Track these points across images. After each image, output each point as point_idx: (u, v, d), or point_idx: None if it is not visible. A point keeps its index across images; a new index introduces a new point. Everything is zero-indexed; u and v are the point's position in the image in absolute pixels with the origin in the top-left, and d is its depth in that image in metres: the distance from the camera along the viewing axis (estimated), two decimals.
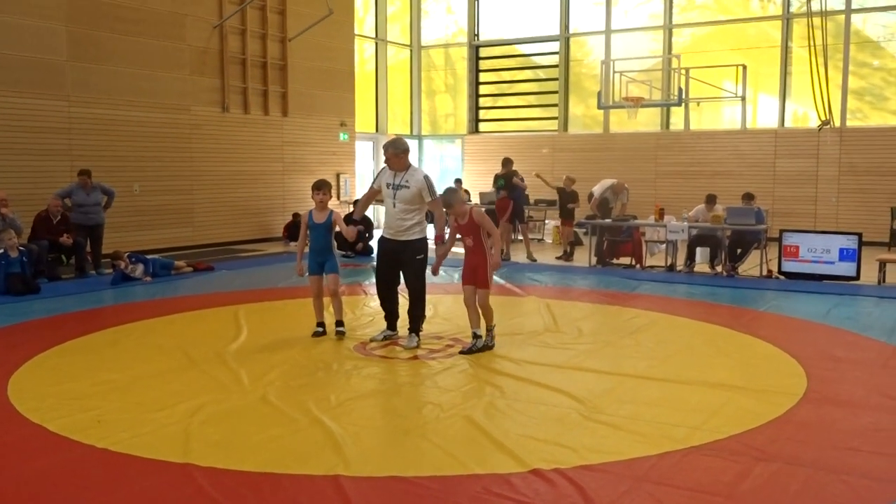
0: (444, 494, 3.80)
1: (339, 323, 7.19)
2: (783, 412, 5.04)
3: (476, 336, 6.68)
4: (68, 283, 10.60)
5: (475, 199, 18.05)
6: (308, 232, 7.15)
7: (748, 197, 11.80)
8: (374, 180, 7.20)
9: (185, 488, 3.87)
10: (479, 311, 6.65)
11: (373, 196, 7.31)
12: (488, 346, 6.67)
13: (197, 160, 15.05)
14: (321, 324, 7.27)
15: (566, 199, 14.36)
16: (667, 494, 3.78)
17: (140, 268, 10.74)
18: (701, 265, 11.84)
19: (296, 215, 16.19)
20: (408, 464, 4.19)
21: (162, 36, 14.32)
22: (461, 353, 6.61)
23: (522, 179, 13.79)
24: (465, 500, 3.73)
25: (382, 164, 7.14)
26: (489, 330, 6.75)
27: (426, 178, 6.88)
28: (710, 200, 11.80)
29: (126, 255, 10.84)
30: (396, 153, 6.86)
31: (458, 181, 18.34)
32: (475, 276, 6.64)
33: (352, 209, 14.25)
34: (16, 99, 12.26)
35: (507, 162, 13.75)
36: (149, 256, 11.28)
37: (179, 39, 14.66)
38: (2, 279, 9.48)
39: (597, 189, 15.21)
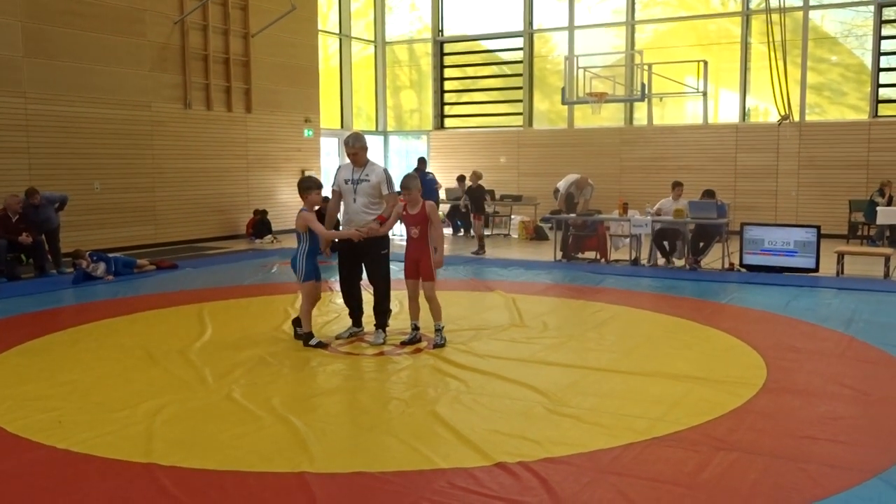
0: (408, 489, 3.81)
1: (299, 322, 7.05)
2: (743, 402, 5.12)
3: (415, 328, 6.80)
4: (28, 282, 10.43)
5: (441, 195, 18.04)
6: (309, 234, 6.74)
7: (709, 194, 11.94)
8: (334, 182, 7.12)
9: (148, 488, 3.84)
10: (427, 304, 6.68)
11: (339, 199, 7.06)
12: (439, 345, 6.61)
13: (159, 157, 14.87)
14: (311, 334, 6.82)
15: (473, 194, 14.51)
16: (629, 485, 3.83)
17: (101, 266, 10.60)
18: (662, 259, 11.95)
19: (259, 212, 16.08)
20: (373, 459, 4.20)
21: (120, 32, 14.12)
22: (402, 343, 6.72)
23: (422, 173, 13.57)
24: (430, 494, 3.74)
25: (345, 161, 7.12)
26: (438, 330, 6.72)
27: (385, 171, 6.95)
28: (676, 185, 11.89)
29: (87, 253, 10.68)
30: (364, 147, 6.88)
31: (422, 160, 18.07)
32: (417, 269, 6.66)
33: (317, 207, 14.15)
34: None
35: (419, 161, 13.81)
36: (110, 255, 11.13)
37: (139, 35, 14.47)
38: None
39: (561, 184, 15.30)
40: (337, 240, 7.15)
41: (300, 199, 6.80)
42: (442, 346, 6.61)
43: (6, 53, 12.44)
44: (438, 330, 6.74)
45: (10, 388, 5.54)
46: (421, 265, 6.64)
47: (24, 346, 6.82)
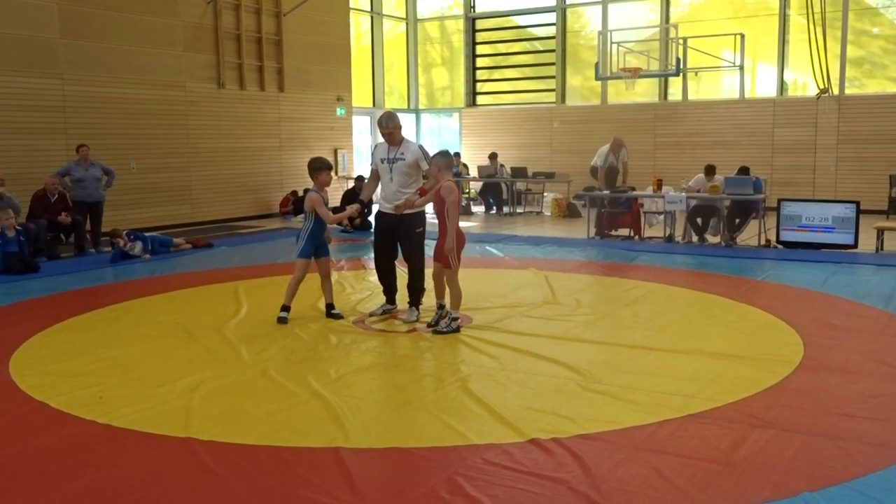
0: (443, 465, 3.83)
1: (332, 306, 7.08)
2: (779, 379, 5.07)
3: (440, 306, 6.62)
4: (67, 261, 10.61)
5: (473, 173, 18.04)
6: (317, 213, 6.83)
7: (743, 171, 11.77)
8: (372, 160, 7.18)
9: (187, 462, 3.91)
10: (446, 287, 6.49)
11: (377, 177, 7.08)
12: (452, 330, 6.34)
13: (193, 137, 15.00)
14: (286, 307, 6.94)
15: None
16: (664, 462, 3.82)
17: (139, 245, 10.75)
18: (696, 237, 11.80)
19: (294, 193, 16.18)
20: (407, 435, 4.23)
21: (154, 12, 14.22)
22: (428, 325, 6.57)
23: None
24: (464, 470, 3.76)
25: (379, 140, 7.13)
26: (448, 316, 6.45)
27: (420, 147, 6.95)
28: (710, 171, 11.74)
29: (124, 232, 10.84)
30: (398, 126, 6.88)
31: (457, 154, 18.35)
32: (441, 255, 6.40)
33: (351, 184, 14.22)
34: (9, 78, 12.21)
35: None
36: (147, 234, 11.28)
37: (172, 15, 14.55)
38: (0, 259, 9.49)
39: (597, 159, 15.16)
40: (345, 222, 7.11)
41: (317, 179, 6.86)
42: (454, 331, 6.33)
43: (43, 35, 12.60)
44: (448, 316, 6.46)
45: (53, 364, 5.66)
46: (443, 252, 6.37)
47: (65, 324, 6.96)
